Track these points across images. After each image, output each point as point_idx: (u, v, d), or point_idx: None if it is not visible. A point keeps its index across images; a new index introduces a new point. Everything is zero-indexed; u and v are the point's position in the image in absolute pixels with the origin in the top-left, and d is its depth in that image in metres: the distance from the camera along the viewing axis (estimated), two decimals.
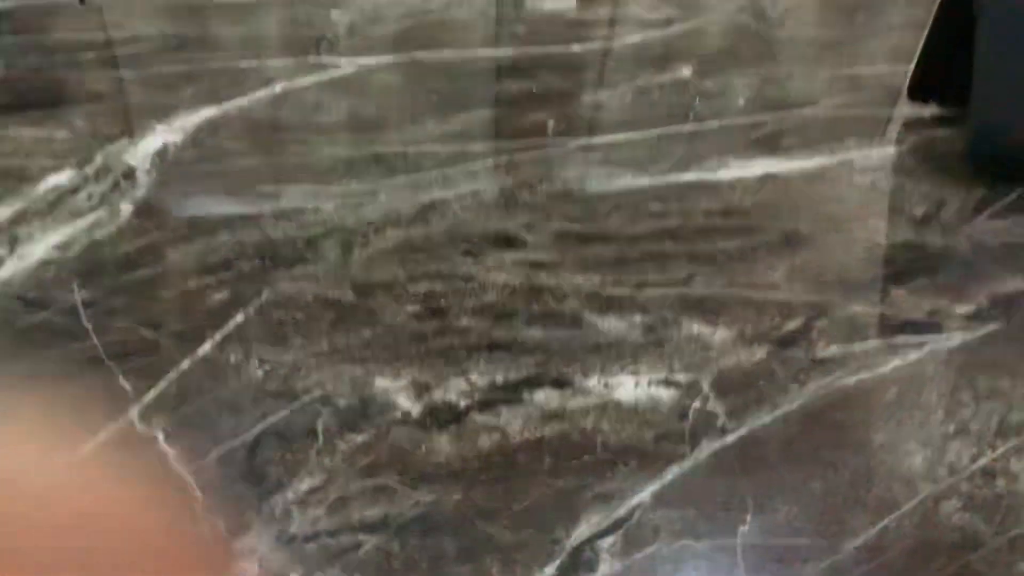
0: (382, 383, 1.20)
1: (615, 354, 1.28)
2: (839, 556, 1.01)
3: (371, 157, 1.73)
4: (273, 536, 0.98)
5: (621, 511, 1.04)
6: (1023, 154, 1.67)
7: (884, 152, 1.79)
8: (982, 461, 1.14)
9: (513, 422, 1.15)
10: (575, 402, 1.19)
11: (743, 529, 1.03)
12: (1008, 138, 1.68)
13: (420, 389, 1.20)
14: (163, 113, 1.88)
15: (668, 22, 2.55)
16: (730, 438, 1.15)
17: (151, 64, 2.19)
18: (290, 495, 1.03)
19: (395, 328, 1.31)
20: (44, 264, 1.43)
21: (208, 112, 1.87)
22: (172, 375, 1.21)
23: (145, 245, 1.49)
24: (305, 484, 1.04)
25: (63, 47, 2.32)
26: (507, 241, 1.51)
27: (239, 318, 1.32)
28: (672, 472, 1.09)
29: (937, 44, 1.84)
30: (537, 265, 1.45)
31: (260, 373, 1.21)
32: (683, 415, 1.18)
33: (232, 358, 1.24)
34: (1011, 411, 1.21)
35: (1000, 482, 1.11)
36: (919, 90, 1.93)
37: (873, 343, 1.34)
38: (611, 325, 1.34)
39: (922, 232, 1.57)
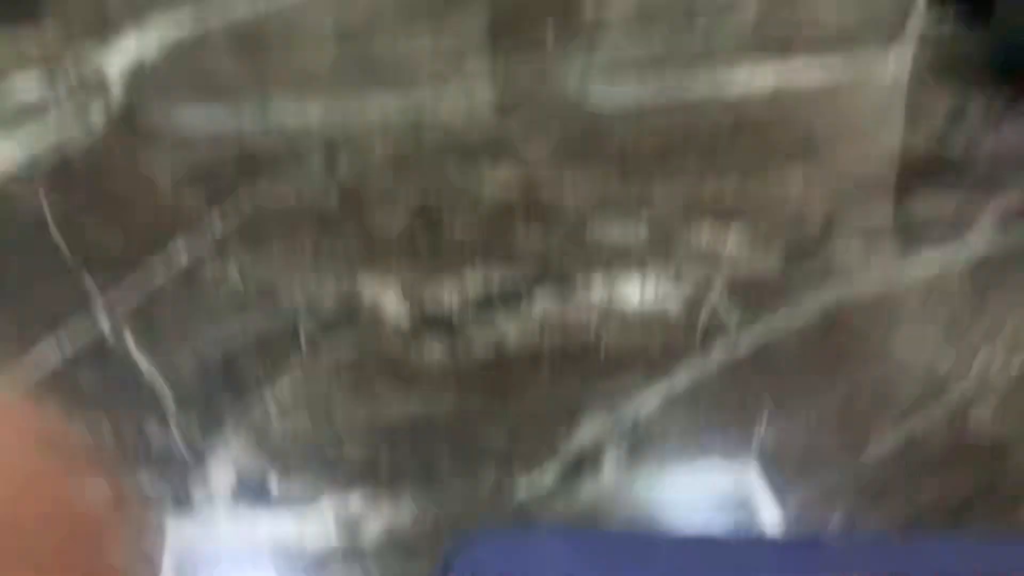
0: (371, 289, 1.13)
1: (620, 259, 1.20)
2: (862, 462, 0.94)
3: (360, 65, 1.63)
4: (252, 443, 0.91)
5: (628, 418, 0.96)
6: None
7: (903, 57, 1.68)
8: (1012, 369, 1.06)
9: (510, 329, 1.07)
10: (579, 307, 1.11)
11: (759, 433, 0.95)
12: None
13: (412, 295, 1.12)
14: (139, 16, 1.76)
15: None
16: (743, 345, 1.07)
17: None
18: (270, 403, 0.96)
19: (384, 239, 1.23)
20: (14, 174, 1.34)
21: (186, 15, 1.76)
22: (149, 286, 1.13)
23: (119, 154, 1.40)
24: (286, 392, 0.97)
25: None
26: (504, 152, 1.42)
27: (219, 226, 1.23)
28: (682, 376, 1.02)
29: None
30: (536, 174, 1.37)
31: (240, 280, 1.14)
32: (692, 323, 1.11)
33: (211, 266, 1.17)
34: None
35: None
36: None
37: (893, 251, 1.26)
38: (616, 230, 1.25)
39: (943, 139, 1.48)
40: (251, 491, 0.87)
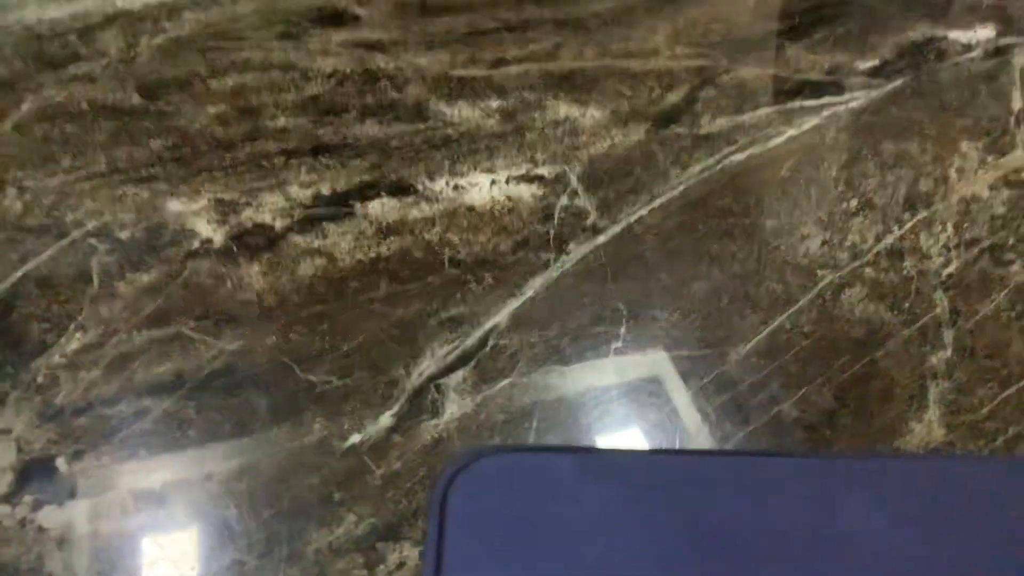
0: (175, 206, 0.97)
1: (466, 149, 1.07)
2: (725, 367, 0.87)
3: None
4: (35, 412, 0.78)
5: (472, 339, 0.86)
6: None
7: None
8: (888, 240, 1.00)
9: (342, 242, 0.94)
10: (418, 211, 0.99)
11: (617, 346, 0.87)
12: None
13: (225, 210, 0.97)
14: None
15: None
16: (602, 238, 0.97)
17: None
18: (56, 358, 0.82)
19: (193, 136, 1.06)
20: None
21: None
22: None
23: None
24: (75, 342, 0.83)
25: None
26: (334, 18, 1.24)
27: None
28: (534, 286, 0.92)
29: None
30: (372, 46, 1.20)
31: (18, 204, 0.97)
32: (547, 216, 1.00)
33: None
34: (920, 178, 1.07)
35: (908, 262, 0.98)
36: None
37: (765, 111, 1.16)
38: (462, 114, 1.11)
39: None
40: (37, 476, 0.75)
